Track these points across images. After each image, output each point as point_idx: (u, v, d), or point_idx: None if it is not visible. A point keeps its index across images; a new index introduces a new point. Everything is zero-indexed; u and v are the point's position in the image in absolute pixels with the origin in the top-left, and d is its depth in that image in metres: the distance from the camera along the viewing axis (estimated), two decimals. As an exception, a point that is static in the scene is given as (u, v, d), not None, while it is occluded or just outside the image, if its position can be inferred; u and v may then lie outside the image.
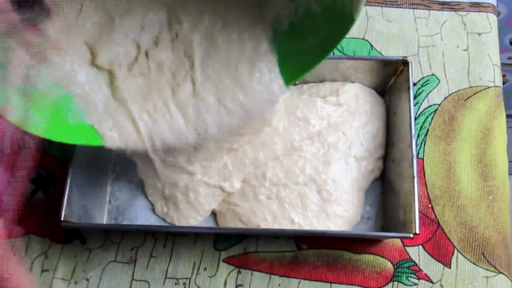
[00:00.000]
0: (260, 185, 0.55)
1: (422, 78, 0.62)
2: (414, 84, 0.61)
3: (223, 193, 0.56)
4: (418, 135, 0.59)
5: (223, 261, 0.56)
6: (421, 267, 0.54)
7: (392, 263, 0.55)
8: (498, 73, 0.63)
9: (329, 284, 0.54)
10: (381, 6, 0.67)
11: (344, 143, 0.56)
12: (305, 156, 0.56)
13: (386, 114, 0.59)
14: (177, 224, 0.56)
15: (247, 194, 0.56)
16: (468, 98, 0.61)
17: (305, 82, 0.60)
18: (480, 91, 0.61)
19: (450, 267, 0.54)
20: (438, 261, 0.55)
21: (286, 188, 0.55)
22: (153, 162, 0.50)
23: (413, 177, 0.50)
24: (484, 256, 0.55)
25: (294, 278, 0.55)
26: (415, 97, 0.61)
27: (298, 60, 0.47)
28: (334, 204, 0.54)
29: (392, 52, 0.64)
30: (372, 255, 0.55)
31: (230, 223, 0.55)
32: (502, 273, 0.54)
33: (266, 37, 0.47)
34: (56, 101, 0.45)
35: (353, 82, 0.59)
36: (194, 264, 0.56)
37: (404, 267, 0.54)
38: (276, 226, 0.54)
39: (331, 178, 0.55)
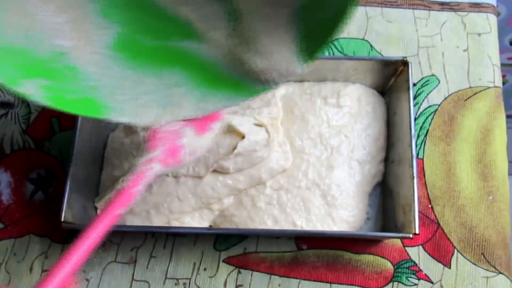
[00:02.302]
0: (260, 193, 0.54)
1: (422, 78, 0.62)
2: (414, 85, 0.61)
3: (213, 212, 0.55)
4: (418, 136, 0.60)
5: (223, 261, 0.56)
6: (421, 267, 0.54)
7: (392, 263, 0.55)
8: (498, 73, 0.63)
9: (329, 284, 0.54)
10: (381, 7, 0.67)
11: (347, 147, 0.56)
12: (308, 160, 0.55)
13: (386, 114, 0.59)
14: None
15: (244, 203, 0.54)
16: (468, 98, 0.61)
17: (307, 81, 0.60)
18: (480, 91, 0.61)
19: (450, 267, 0.54)
20: (438, 261, 0.55)
21: (288, 193, 0.54)
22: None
23: (413, 178, 0.50)
24: (484, 256, 0.55)
25: (294, 278, 0.55)
26: (415, 98, 0.61)
27: (314, 36, 0.46)
28: (339, 208, 0.53)
29: (392, 52, 0.64)
30: (372, 255, 0.55)
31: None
32: (502, 273, 0.54)
33: (287, 16, 0.45)
34: (59, 70, 0.42)
35: (354, 83, 0.59)
36: (194, 264, 0.56)
37: (404, 267, 0.55)
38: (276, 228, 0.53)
39: (335, 183, 0.54)
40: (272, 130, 0.54)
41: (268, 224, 0.53)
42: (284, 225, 0.53)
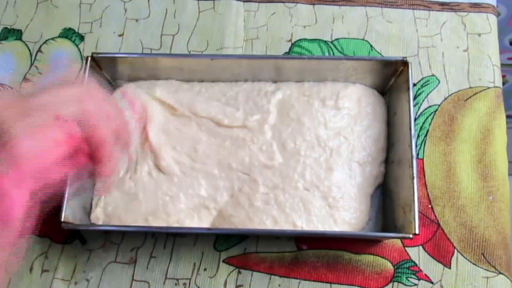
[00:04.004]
0: (254, 191, 0.54)
1: (422, 78, 0.62)
2: (414, 85, 0.61)
3: (211, 211, 0.54)
4: (418, 136, 0.60)
5: (223, 261, 0.56)
6: (421, 268, 0.54)
7: (392, 264, 0.55)
8: (498, 73, 0.63)
9: (329, 284, 0.54)
10: (381, 7, 0.67)
11: (346, 148, 0.56)
12: (304, 161, 0.55)
13: (387, 114, 0.59)
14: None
15: (241, 202, 0.54)
16: (468, 98, 0.61)
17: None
18: (480, 91, 0.61)
19: (450, 268, 0.54)
20: (438, 261, 0.55)
21: (285, 193, 0.54)
22: None
23: (413, 178, 0.50)
24: (484, 256, 0.55)
25: (294, 278, 0.55)
26: (415, 98, 0.61)
27: None
28: (341, 210, 0.53)
29: (392, 52, 0.64)
30: (372, 256, 0.55)
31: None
32: (502, 273, 0.54)
33: None
34: None
35: (354, 83, 0.59)
36: (194, 264, 0.56)
37: (404, 268, 0.55)
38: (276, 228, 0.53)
39: (335, 184, 0.54)
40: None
41: (267, 224, 0.53)
42: (284, 225, 0.53)
